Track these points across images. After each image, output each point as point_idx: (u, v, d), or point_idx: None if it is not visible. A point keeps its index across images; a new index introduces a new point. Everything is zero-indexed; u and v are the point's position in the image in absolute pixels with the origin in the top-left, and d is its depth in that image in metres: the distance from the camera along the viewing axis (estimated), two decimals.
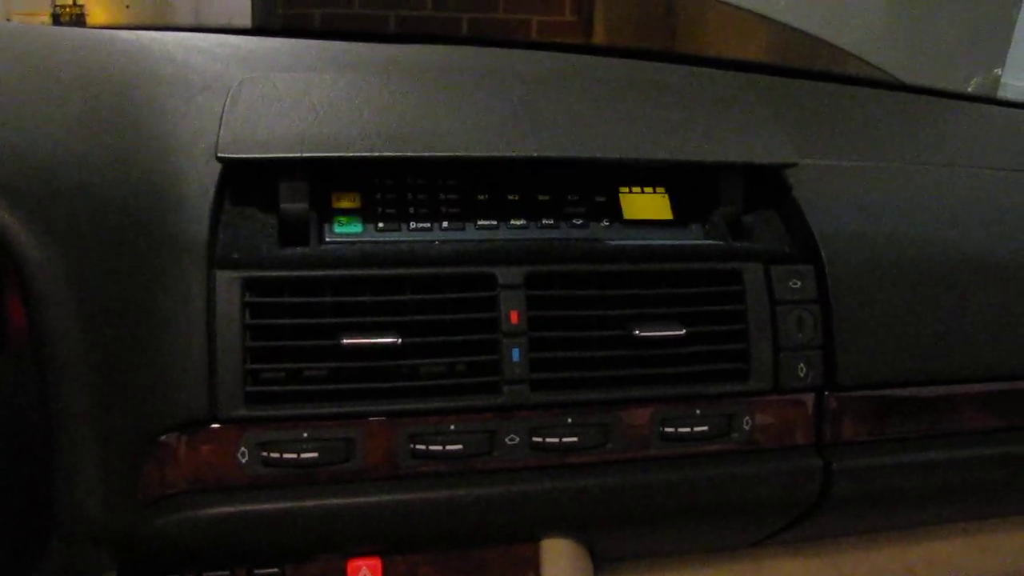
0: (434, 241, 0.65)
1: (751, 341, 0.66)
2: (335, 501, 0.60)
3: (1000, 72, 1.27)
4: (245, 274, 0.59)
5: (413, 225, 0.66)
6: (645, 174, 0.73)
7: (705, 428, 0.66)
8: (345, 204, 0.66)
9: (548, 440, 0.63)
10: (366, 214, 0.66)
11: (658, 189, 0.72)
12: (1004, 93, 1.28)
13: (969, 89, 1.25)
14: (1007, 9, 1.28)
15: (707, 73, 0.90)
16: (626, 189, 0.72)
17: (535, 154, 0.64)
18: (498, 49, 0.87)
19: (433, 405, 0.60)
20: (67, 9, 2.09)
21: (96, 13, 2.11)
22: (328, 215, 0.66)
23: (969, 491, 0.78)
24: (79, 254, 0.53)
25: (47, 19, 2.09)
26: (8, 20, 2.07)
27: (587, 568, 0.72)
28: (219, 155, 0.60)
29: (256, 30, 0.83)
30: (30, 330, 0.51)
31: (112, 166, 0.59)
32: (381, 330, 0.59)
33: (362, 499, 0.60)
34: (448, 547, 0.68)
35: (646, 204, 0.72)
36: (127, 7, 2.15)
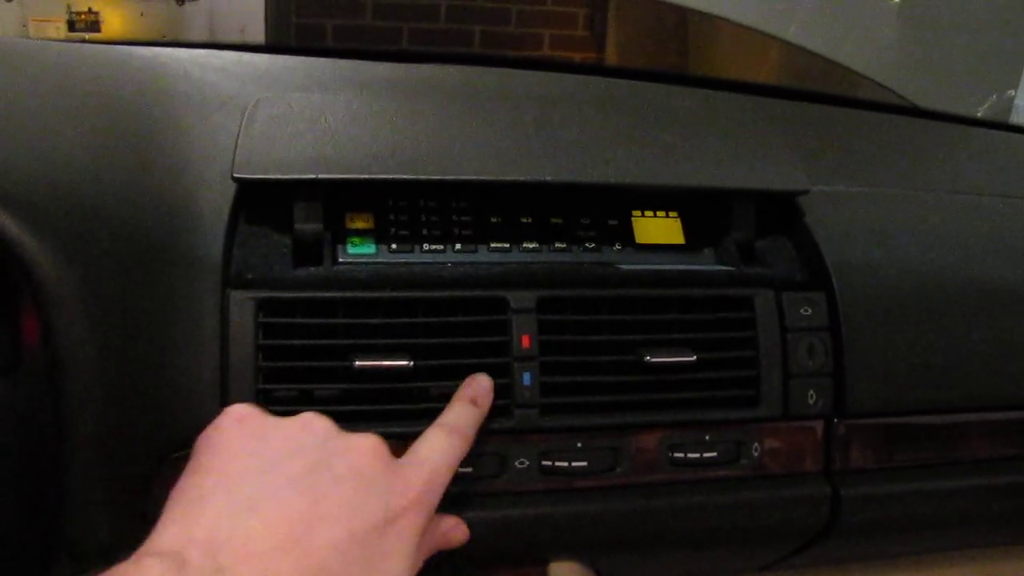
0: (447, 263, 0.65)
1: (761, 368, 0.66)
2: None
3: (1014, 93, 1.27)
4: (259, 294, 0.59)
5: (426, 247, 0.66)
6: (658, 198, 0.73)
7: (714, 454, 0.66)
8: (359, 224, 0.66)
9: (558, 464, 0.63)
10: (380, 235, 0.66)
11: (671, 213, 0.73)
12: (1017, 115, 1.28)
13: (982, 110, 1.25)
14: (1021, 30, 1.28)
15: (720, 96, 0.90)
16: (639, 213, 0.72)
17: (549, 179, 0.64)
18: (512, 69, 0.87)
19: None
20: (82, 16, 2.11)
21: (111, 20, 2.13)
22: (342, 235, 0.66)
23: (979, 519, 0.78)
24: (94, 272, 0.53)
25: (62, 25, 2.11)
26: (24, 26, 2.09)
27: None
28: (235, 175, 0.60)
29: (272, 48, 0.84)
30: (44, 347, 0.52)
31: (127, 184, 0.60)
32: (393, 352, 0.59)
33: None
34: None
35: (658, 228, 0.72)
36: (142, 15, 2.16)
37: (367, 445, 0.49)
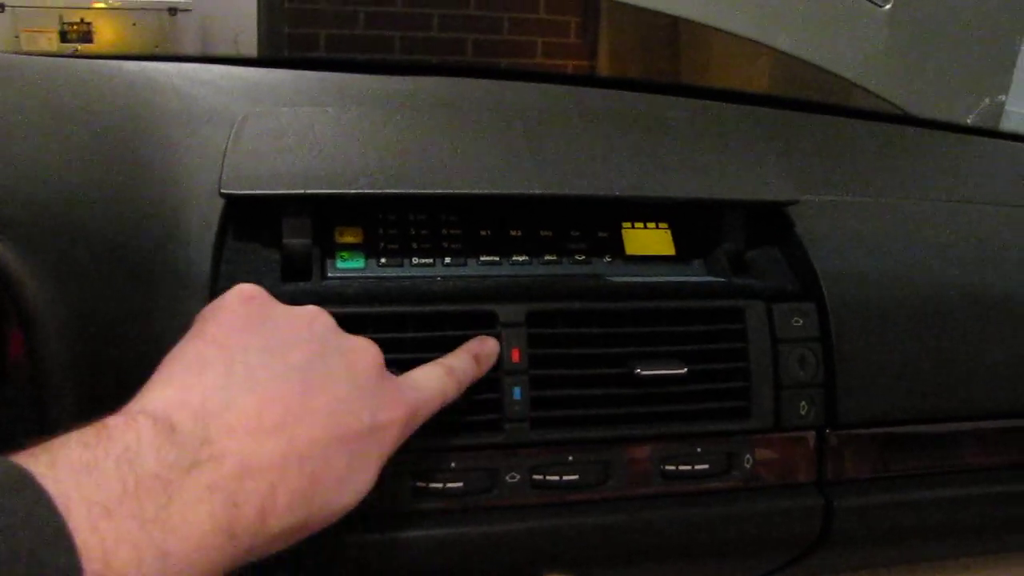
0: (436, 277, 0.65)
1: (752, 379, 0.66)
2: (331, 539, 0.59)
3: (1004, 99, 1.27)
4: None
5: (415, 261, 0.66)
6: (648, 209, 0.73)
7: (706, 466, 0.66)
8: (348, 239, 0.66)
9: (549, 478, 0.63)
10: (368, 249, 0.66)
11: (661, 225, 0.73)
12: (1007, 121, 1.28)
13: (973, 116, 1.25)
14: (1011, 35, 1.28)
15: (711, 106, 0.90)
16: (629, 224, 0.72)
17: (538, 192, 0.64)
18: (502, 81, 0.87)
19: (434, 443, 0.60)
20: (74, 27, 2.10)
21: (103, 31, 2.12)
22: (331, 250, 0.66)
23: (972, 528, 0.78)
24: (79, 289, 0.53)
25: (54, 36, 2.10)
26: (16, 37, 2.08)
27: None
28: (222, 191, 0.60)
29: (261, 61, 0.83)
30: (29, 363, 0.51)
31: (114, 200, 0.59)
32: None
33: (360, 537, 0.60)
34: None
35: (649, 240, 0.72)
36: (134, 25, 2.16)
37: (365, 351, 0.50)
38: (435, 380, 0.54)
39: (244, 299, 0.49)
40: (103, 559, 0.33)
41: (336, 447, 0.44)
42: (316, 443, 0.43)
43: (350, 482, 0.46)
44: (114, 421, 0.39)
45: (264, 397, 0.43)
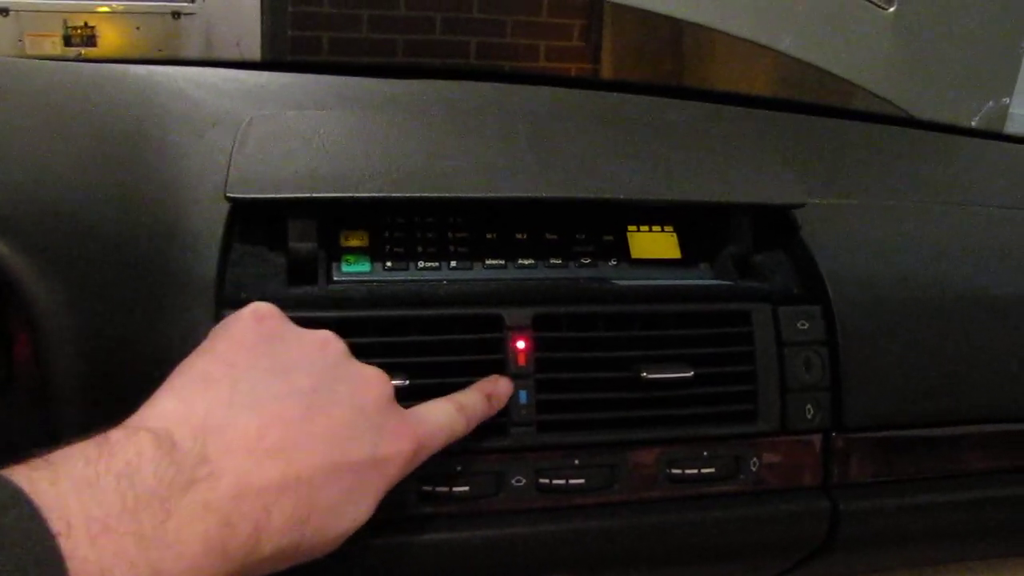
0: (442, 281, 0.65)
1: (759, 382, 0.66)
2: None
3: (1008, 101, 1.27)
4: None
5: (421, 264, 0.66)
6: (653, 212, 0.73)
7: (712, 470, 0.66)
8: (354, 243, 0.66)
9: (555, 482, 0.63)
10: (374, 253, 0.66)
11: (666, 228, 0.72)
12: (1012, 124, 1.28)
13: (977, 119, 1.25)
14: (1016, 38, 1.28)
15: (716, 109, 0.90)
16: (634, 228, 0.72)
17: (544, 195, 0.64)
18: (507, 84, 0.87)
19: None
20: (78, 31, 2.10)
21: (107, 35, 2.12)
22: (337, 253, 0.66)
23: (977, 532, 0.78)
24: (85, 292, 0.53)
25: (58, 40, 2.10)
26: (20, 41, 2.08)
27: None
28: (228, 194, 0.60)
29: (266, 64, 0.84)
30: (36, 366, 0.51)
31: (120, 204, 0.59)
32: (388, 371, 0.59)
33: (366, 541, 0.59)
34: None
35: (654, 243, 0.72)
36: (137, 28, 2.16)
37: (374, 380, 0.50)
38: (444, 415, 0.53)
39: (258, 318, 0.49)
40: None
41: (335, 474, 0.44)
42: (315, 468, 0.43)
43: (347, 510, 0.46)
44: (116, 435, 0.39)
45: (265, 418, 0.43)
